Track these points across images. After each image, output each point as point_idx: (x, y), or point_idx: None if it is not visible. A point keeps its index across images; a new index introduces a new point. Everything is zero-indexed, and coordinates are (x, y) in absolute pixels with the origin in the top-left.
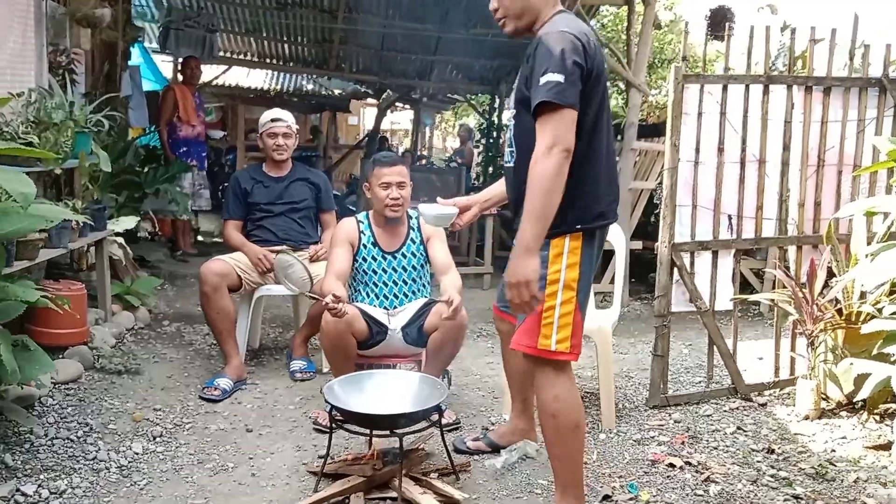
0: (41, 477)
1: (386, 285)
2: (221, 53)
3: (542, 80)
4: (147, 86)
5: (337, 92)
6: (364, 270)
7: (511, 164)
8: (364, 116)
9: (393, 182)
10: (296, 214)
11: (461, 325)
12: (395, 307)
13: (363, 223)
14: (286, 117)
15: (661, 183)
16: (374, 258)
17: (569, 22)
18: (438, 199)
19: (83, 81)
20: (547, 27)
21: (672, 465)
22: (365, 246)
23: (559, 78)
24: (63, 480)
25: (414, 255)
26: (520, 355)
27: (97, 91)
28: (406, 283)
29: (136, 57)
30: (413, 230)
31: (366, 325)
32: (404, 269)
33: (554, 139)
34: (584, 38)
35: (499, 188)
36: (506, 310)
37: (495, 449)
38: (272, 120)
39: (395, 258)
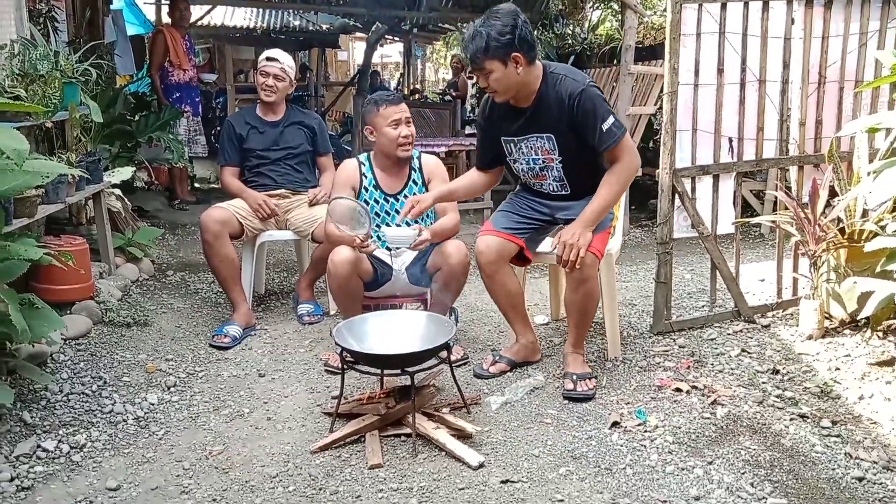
0: (60, 432)
1: (388, 227)
2: None
3: (606, 126)
4: (131, 30)
5: (325, 27)
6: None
7: (567, 193)
8: (353, 51)
9: (402, 119)
10: (293, 160)
11: (465, 262)
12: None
13: (364, 165)
14: (282, 58)
15: (660, 108)
16: (375, 201)
17: (566, 72)
18: (399, 215)
19: (65, 29)
20: (550, 85)
21: (678, 390)
22: (366, 189)
23: (612, 119)
24: (82, 434)
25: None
26: (515, 281)
27: (80, 39)
28: (409, 224)
29: (117, 1)
30: (415, 171)
31: (371, 267)
32: (399, 212)
33: (633, 159)
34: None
35: (463, 186)
36: (529, 246)
37: (514, 366)
38: (267, 59)
39: (397, 200)
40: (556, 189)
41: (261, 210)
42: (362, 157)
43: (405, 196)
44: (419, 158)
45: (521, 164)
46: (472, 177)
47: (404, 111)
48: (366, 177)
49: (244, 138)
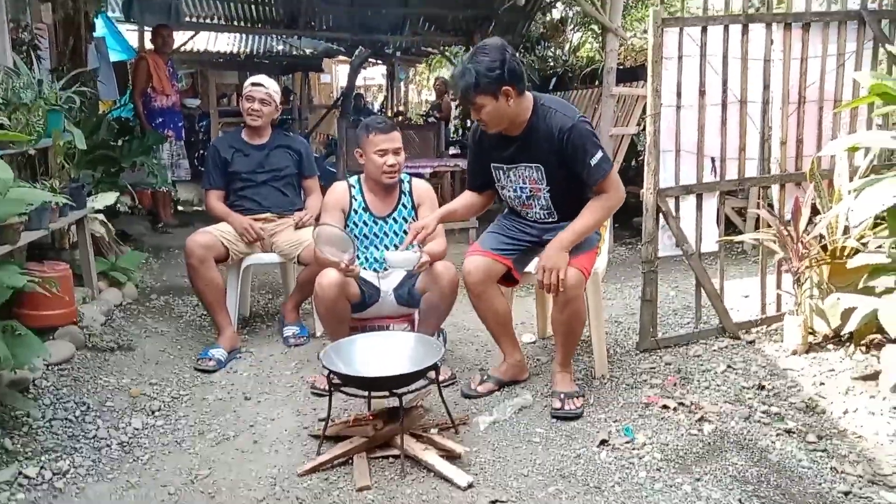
0: (42, 458)
1: (377, 249)
2: (188, 19)
3: (594, 161)
4: (114, 57)
5: (308, 51)
6: (355, 235)
7: (553, 220)
8: (337, 74)
9: (389, 149)
10: (278, 182)
11: (453, 285)
12: (386, 269)
13: (355, 188)
14: (267, 84)
15: (643, 129)
16: (364, 223)
17: (557, 105)
18: (406, 239)
19: (48, 57)
20: (540, 117)
21: (666, 407)
22: (356, 211)
23: (601, 153)
24: (65, 461)
25: (405, 220)
26: (503, 301)
27: (64, 66)
28: (397, 247)
29: (100, 28)
30: (405, 195)
31: (358, 289)
32: (395, 233)
33: (618, 192)
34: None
35: (462, 206)
36: (517, 267)
37: (502, 385)
38: (252, 84)
39: (386, 223)
40: (542, 217)
41: (247, 234)
42: (352, 179)
43: (394, 219)
44: (409, 182)
45: (509, 191)
46: (468, 198)
47: (394, 141)
48: (356, 199)
49: (229, 162)
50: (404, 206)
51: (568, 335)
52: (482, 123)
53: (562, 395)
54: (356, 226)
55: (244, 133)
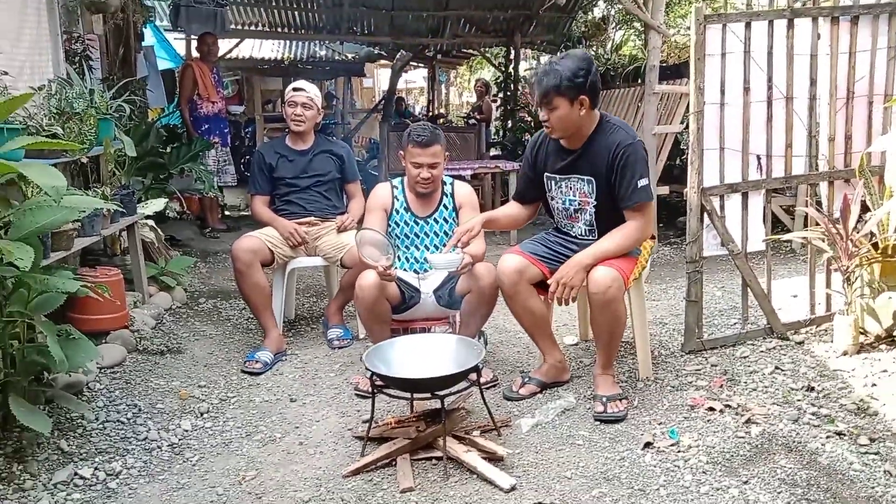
0: (96, 460)
1: (418, 249)
2: (232, 26)
3: (640, 184)
4: (162, 65)
5: (350, 56)
6: (397, 235)
7: (593, 238)
8: (379, 78)
9: (424, 164)
10: (322, 187)
11: (494, 286)
12: (427, 271)
13: (398, 188)
14: (308, 88)
15: (686, 126)
16: (406, 223)
17: (621, 125)
18: (450, 240)
19: (99, 67)
20: (603, 132)
21: (711, 409)
22: (398, 211)
23: (647, 181)
24: (118, 462)
25: (446, 221)
26: (538, 301)
27: (114, 75)
28: (437, 247)
29: (148, 37)
30: (446, 196)
31: (398, 290)
32: (436, 234)
33: (648, 226)
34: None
35: (505, 216)
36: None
37: (544, 387)
38: (294, 89)
39: (427, 223)
40: (584, 233)
41: (292, 238)
42: (396, 180)
43: (435, 220)
44: (452, 185)
45: (558, 202)
46: (513, 208)
47: (431, 156)
48: (398, 199)
49: (274, 167)
50: (445, 206)
51: (608, 338)
52: (548, 127)
53: (604, 399)
54: (397, 225)
55: (288, 139)
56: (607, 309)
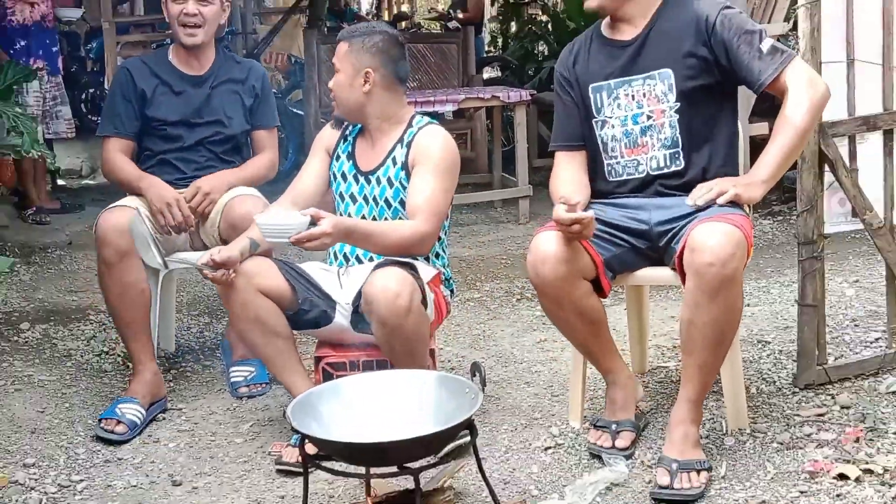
0: None
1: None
2: None
3: (765, 47)
4: None
5: None
6: (340, 194)
7: (679, 168)
8: None
9: None
10: (223, 146)
11: (398, 312)
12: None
13: (351, 129)
14: None
15: (794, 27)
16: (344, 176)
17: None
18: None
19: None
20: (672, 5)
21: (843, 477)
22: (339, 157)
23: (769, 39)
24: None
25: (390, 183)
26: (597, 301)
27: None
28: (376, 218)
29: None
30: (401, 145)
31: (285, 283)
32: (375, 200)
33: (816, 80)
34: None
35: (577, 182)
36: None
37: (639, 429)
38: None
39: (368, 181)
40: (662, 164)
41: (169, 215)
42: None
43: (377, 179)
44: (417, 131)
45: (615, 126)
46: (574, 169)
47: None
48: (345, 141)
49: (148, 100)
50: (394, 161)
51: (713, 348)
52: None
53: (674, 465)
54: (335, 179)
55: (172, 55)
56: (722, 293)
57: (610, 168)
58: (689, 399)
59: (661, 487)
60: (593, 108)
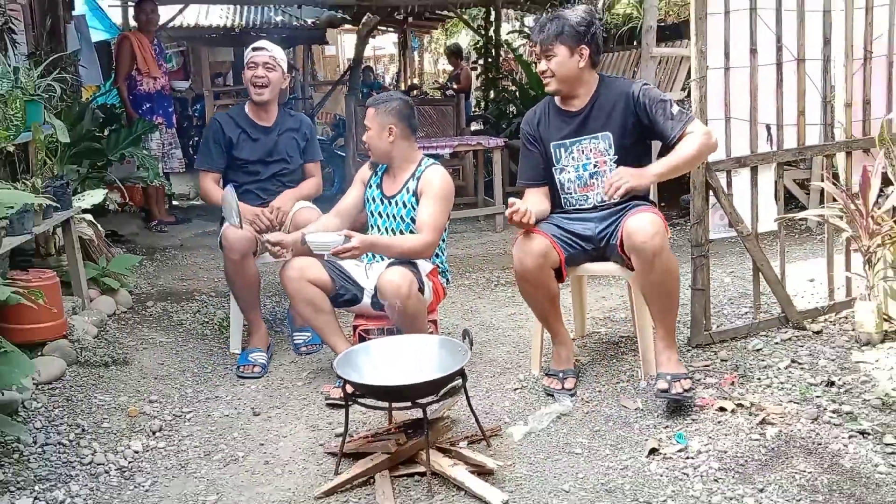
0: (35, 488)
1: (379, 231)
2: None
3: (674, 110)
4: (96, 36)
5: (310, 21)
6: (371, 213)
7: (615, 200)
8: (343, 45)
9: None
10: (287, 177)
11: (404, 299)
12: (371, 263)
13: (380, 168)
14: (270, 47)
15: (688, 94)
16: (373, 199)
17: (618, 77)
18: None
19: (24, 41)
20: (606, 87)
21: (722, 409)
22: (370, 186)
23: (678, 106)
24: (60, 490)
25: (404, 206)
26: (555, 284)
27: (41, 50)
28: (393, 232)
29: (79, 5)
30: (413, 179)
31: (327, 275)
32: (393, 217)
33: (710, 133)
34: None
35: (536, 209)
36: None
37: (576, 375)
38: (254, 49)
39: (391, 204)
40: (603, 197)
41: (258, 222)
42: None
43: (396, 202)
44: (425, 168)
45: (570, 172)
46: (535, 196)
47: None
48: (375, 175)
49: (234, 144)
50: (408, 189)
51: (667, 301)
52: (547, 79)
53: (668, 377)
54: (368, 203)
55: (249, 109)
56: (658, 261)
57: (566, 201)
58: (662, 336)
59: (661, 391)
60: (554, 159)
